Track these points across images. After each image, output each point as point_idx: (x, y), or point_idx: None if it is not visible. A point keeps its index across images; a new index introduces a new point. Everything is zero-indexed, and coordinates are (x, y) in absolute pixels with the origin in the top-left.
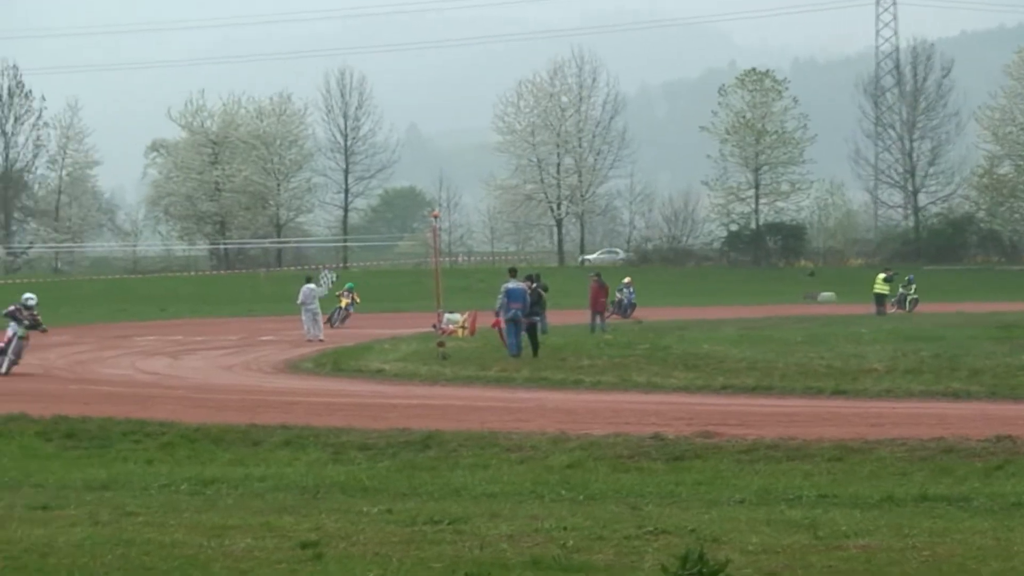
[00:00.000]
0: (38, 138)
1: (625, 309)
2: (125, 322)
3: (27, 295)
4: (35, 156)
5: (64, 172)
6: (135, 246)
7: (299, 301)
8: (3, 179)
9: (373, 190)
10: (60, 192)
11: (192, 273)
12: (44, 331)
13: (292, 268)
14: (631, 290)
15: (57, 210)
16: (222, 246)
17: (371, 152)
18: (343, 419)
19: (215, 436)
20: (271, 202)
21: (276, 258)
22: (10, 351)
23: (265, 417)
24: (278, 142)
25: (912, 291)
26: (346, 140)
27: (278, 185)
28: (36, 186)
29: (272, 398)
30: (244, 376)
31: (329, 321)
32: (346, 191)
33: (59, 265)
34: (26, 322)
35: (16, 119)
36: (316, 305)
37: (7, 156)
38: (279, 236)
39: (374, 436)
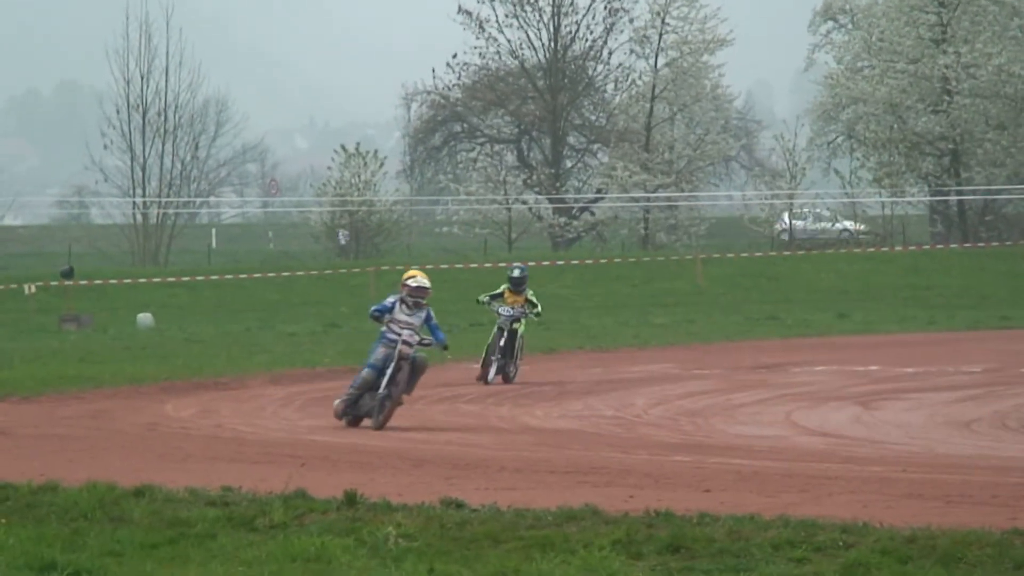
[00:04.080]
0: None
1: None
2: (775, 339)
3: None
4: (608, 31)
5: (661, 61)
6: (790, 198)
7: None
8: (548, 72)
9: None
10: (653, 99)
11: (897, 249)
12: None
13: None
14: None
15: (649, 131)
16: (954, 199)
17: None
18: None
19: (945, 553)
20: None
21: None
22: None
23: None
24: None
25: None
26: None
27: None
28: (610, 86)
29: None
30: (993, 439)
31: (484, 376)
32: None
33: (643, 230)
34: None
35: None
36: None
37: (555, 27)
38: None
39: None
